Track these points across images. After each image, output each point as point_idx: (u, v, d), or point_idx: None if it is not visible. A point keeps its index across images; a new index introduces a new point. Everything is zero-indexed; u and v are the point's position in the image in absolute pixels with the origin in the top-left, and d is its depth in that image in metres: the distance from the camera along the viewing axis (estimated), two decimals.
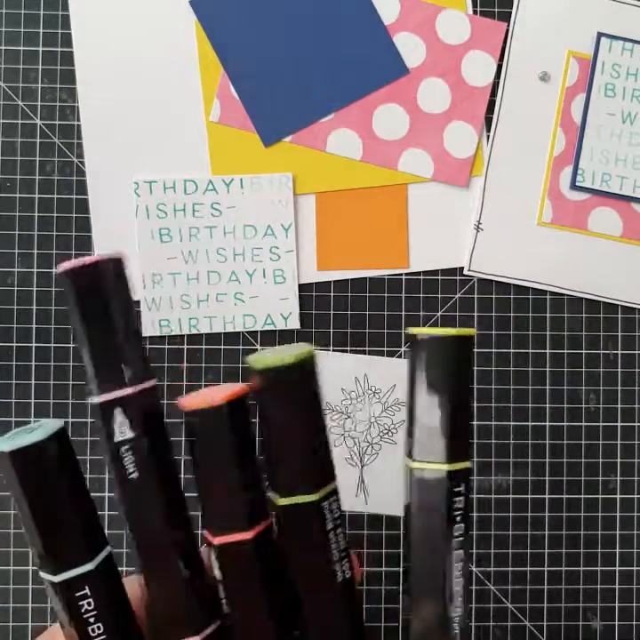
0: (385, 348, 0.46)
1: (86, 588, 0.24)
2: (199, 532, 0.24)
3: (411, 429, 0.26)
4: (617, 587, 0.46)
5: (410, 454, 0.26)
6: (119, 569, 0.26)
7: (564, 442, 0.46)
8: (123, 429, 0.24)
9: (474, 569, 0.45)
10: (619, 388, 0.46)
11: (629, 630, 0.46)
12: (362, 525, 0.45)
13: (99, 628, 0.24)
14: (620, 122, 0.46)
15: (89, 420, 0.45)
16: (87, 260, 0.22)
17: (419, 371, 0.26)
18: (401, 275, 0.46)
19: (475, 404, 0.46)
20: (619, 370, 0.46)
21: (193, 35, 0.45)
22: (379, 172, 0.46)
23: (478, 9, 0.46)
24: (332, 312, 0.46)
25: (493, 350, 0.46)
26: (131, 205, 0.45)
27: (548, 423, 0.46)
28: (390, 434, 0.45)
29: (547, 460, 0.46)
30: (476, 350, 0.46)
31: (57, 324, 0.45)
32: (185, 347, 0.45)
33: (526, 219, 0.46)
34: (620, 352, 0.46)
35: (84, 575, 0.24)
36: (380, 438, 0.45)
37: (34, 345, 0.45)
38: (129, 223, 0.45)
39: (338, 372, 0.45)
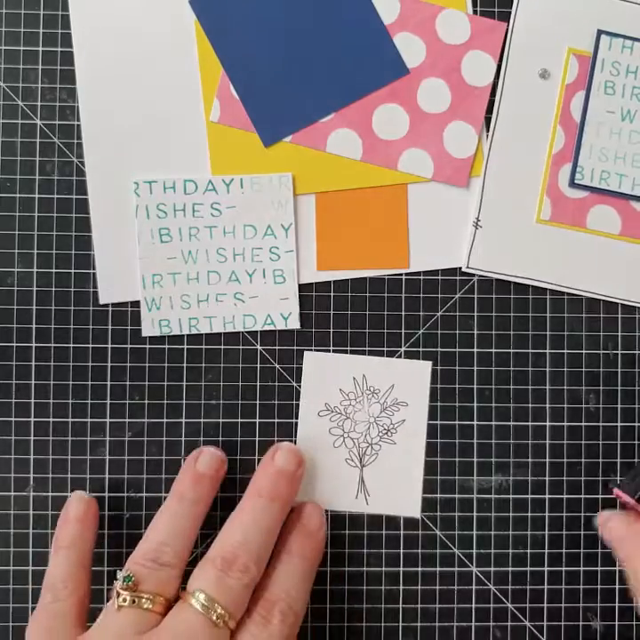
0: (385, 348, 0.46)
1: None
2: None
3: None
4: (617, 587, 0.46)
5: None
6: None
7: (564, 442, 0.46)
8: None
9: (474, 569, 0.45)
10: (619, 388, 0.46)
11: (629, 630, 0.46)
12: (362, 525, 0.45)
13: None
14: (619, 119, 0.46)
15: (89, 419, 0.45)
16: None
17: None
18: (401, 275, 0.46)
19: (475, 404, 0.46)
20: (619, 370, 0.46)
21: (193, 35, 0.45)
22: (379, 172, 0.46)
23: (478, 9, 0.46)
24: (332, 312, 0.46)
25: (493, 350, 0.46)
26: (131, 205, 0.45)
27: (548, 423, 0.46)
28: (389, 434, 0.45)
29: (547, 460, 0.46)
30: (476, 350, 0.46)
31: (57, 323, 0.45)
32: (185, 347, 0.45)
33: (525, 216, 0.46)
34: (620, 352, 0.46)
35: None
36: (379, 438, 0.45)
37: (34, 345, 0.45)
38: (129, 223, 0.45)
39: (336, 373, 0.45)
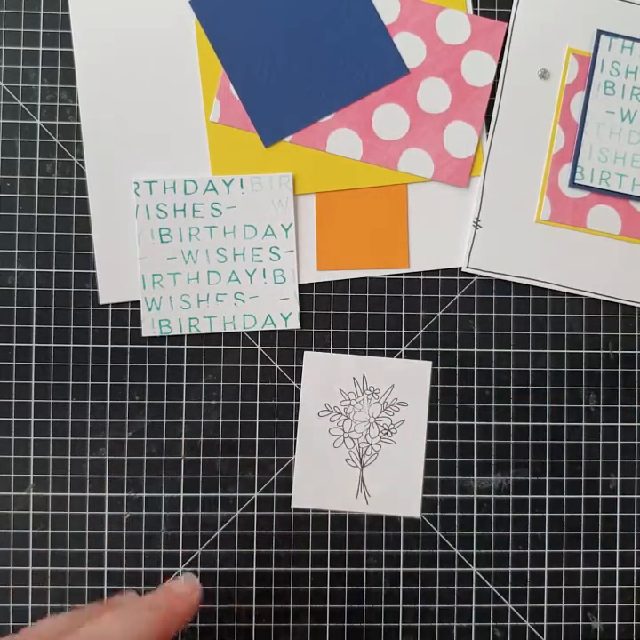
0: (385, 348, 0.46)
1: None
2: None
3: None
4: (617, 587, 0.46)
5: None
6: None
7: (564, 442, 0.46)
8: None
9: (474, 569, 0.45)
10: (619, 388, 0.46)
11: (629, 630, 0.46)
12: (362, 525, 0.45)
13: None
14: (619, 120, 0.46)
15: (89, 420, 0.45)
16: None
17: None
18: (401, 275, 0.46)
19: (475, 404, 0.46)
20: (619, 370, 0.46)
21: (193, 35, 0.45)
22: (379, 172, 0.46)
23: (478, 9, 0.46)
24: (332, 312, 0.46)
25: (493, 350, 0.46)
26: (131, 205, 0.45)
27: (548, 423, 0.46)
28: (389, 434, 0.45)
29: (547, 460, 0.46)
30: (476, 350, 0.46)
31: (57, 324, 0.45)
32: (185, 347, 0.45)
33: (525, 216, 0.46)
34: (620, 352, 0.46)
35: None
36: (379, 439, 0.45)
37: (34, 345, 0.45)
38: (129, 223, 0.45)
39: (336, 373, 0.45)
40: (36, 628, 0.33)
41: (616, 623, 0.46)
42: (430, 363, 0.46)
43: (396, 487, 0.45)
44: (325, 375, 0.45)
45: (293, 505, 0.45)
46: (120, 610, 0.34)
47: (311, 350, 0.45)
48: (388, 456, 0.45)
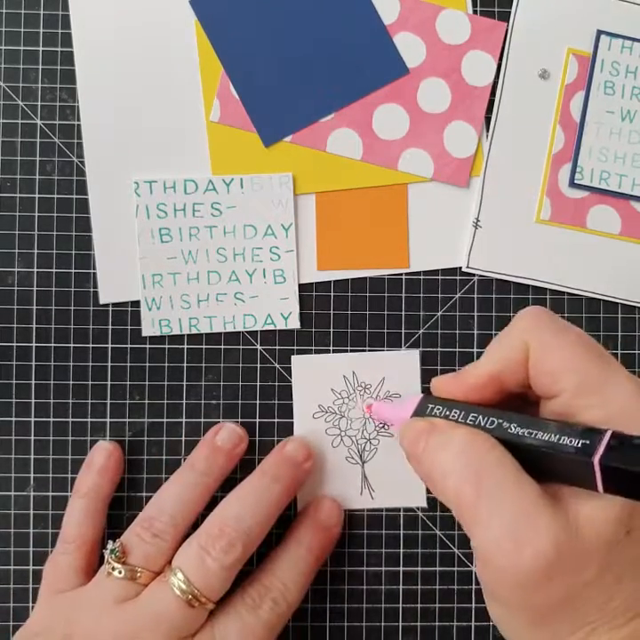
0: (385, 349, 0.46)
1: None
2: None
3: None
4: None
5: None
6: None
7: None
8: None
9: (474, 568, 0.45)
10: None
11: None
12: (362, 525, 0.45)
13: None
14: (619, 120, 0.46)
15: (89, 419, 0.45)
16: None
17: None
18: (401, 275, 0.46)
19: None
20: None
21: (193, 35, 0.45)
22: (379, 172, 0.46)
23: (478, 9, 0.46)
24: (332, 312, 0.46)
25: None
26: (131, 205, 0.45)
27: None
28: (386, 427, 0.45)
29: None
30: (476, 350, 0.46)
31: (57, 323, 0.45)
32: (185, 347, 0.45)
33: (525, 216, 0.46)
34: (619, 352, 0.46)
35: None
36: (376, 433, 0.45)
37: (34, 345, 0.45)
38: (129, 223, 0.45)
39: (326, 373, 0.45)
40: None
41: None
42: (417, 351, 0.45)
43: (399, 479, 0.45)
44: (315, 376, 0.45)
45: (299, 507, 0.45)
46: (248, 483, 0.41)
47: (311, 351, 0.45)
48: (387, 449, 0.45)
